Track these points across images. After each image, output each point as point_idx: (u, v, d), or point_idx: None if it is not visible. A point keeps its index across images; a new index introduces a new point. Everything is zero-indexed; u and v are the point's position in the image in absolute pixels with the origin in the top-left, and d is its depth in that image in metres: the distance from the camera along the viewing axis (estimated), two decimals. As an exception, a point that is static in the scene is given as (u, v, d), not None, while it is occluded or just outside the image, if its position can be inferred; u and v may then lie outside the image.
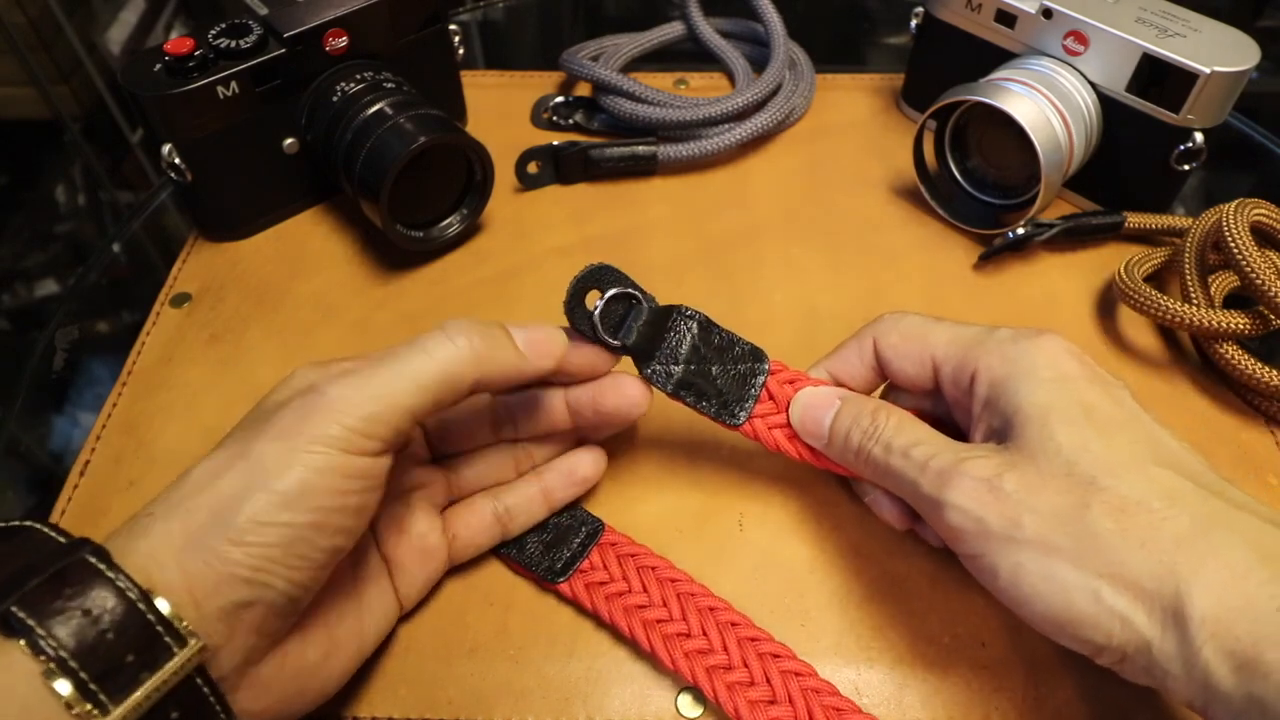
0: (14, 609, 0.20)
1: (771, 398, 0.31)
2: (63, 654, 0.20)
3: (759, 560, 0.33)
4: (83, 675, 0.20)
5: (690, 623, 0.29)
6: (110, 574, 0.21)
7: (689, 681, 0.28)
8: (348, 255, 0.45)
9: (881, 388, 0.34)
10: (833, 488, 0.35)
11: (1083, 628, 0.24)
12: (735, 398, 0.31)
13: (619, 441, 0.36)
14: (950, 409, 0.31)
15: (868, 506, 0.32)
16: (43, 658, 0.20)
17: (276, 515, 0.23)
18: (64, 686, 0.20)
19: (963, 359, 0.29)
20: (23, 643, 0.20)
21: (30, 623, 0.20)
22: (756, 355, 0.31)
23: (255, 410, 0.27)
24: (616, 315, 0.30)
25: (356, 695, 0.29)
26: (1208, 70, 0.39)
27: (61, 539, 0.23)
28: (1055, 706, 0.29)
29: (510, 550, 0.32)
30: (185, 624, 0.22)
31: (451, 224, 0.44)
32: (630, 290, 0.30)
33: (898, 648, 0.30)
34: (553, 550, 0.32)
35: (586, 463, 0.33)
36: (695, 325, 0.31)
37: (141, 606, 0.21)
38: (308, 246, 0.45)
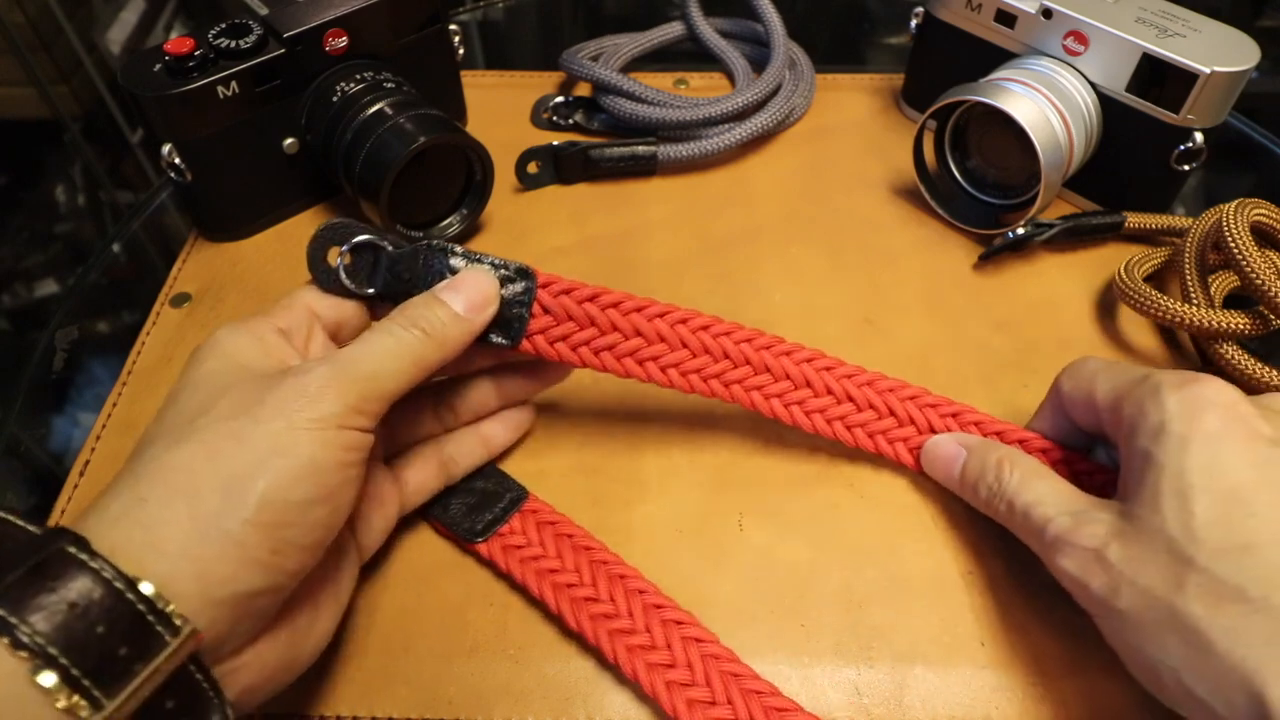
0: None
1: (547, 311, 0.32)
2: (50, 649, 0.19)
3: (759, 560, 0.33)
4: (74, 671, 0.20)
5: (599, 588, 0.30)
6: (94, 564, 0.21)
7: (591, 643, 0.29)
8: (348, 255, 0.45)
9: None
10: (834, 487, 0.35)
11: (1169, 701, 0.24)
12: (508, 318, 0.31)
13: (618, 442, 0.36)
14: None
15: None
16: (25, 654, 0.19)
17: (292, 493, 0.23)
18: (49, 679, 0.19)
19: (1114, 407, 0.28)
20: (5, 640, 0.19)
21: (11, 619, 0.19)
22: (522, 273, 0.31)
23: (190, 384, 0.26)
24: (365, 265, 0.31)
25: (357, 695, 0.29)
26: (1208, 70, 0.39)
27: (34, 529, 0.22)
28: (1055, 706, 0.29)
29: (435, 511, 0.33)
30: (172, 608, 0.21)
31: (451, 224, 0.44)
32: (372, 238, 0.31)
33: (898, 648, 0.30)
34: (475, 513, 0.33)
35: (521, 410, 0.35)
36: (450, 257, 0.31)
37: (130, 596, 0.20)
38: (308, 246, 0.45)
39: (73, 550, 0.21)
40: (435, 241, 0.31)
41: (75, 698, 0.20)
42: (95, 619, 0.20)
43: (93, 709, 0.20)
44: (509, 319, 0.31)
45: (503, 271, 0.31)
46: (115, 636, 0.20)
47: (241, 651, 0.24)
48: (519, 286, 0.31)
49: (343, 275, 0.30)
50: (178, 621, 0.21)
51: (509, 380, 0.34)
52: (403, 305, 0.29)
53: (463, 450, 0.34)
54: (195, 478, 0.23)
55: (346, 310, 0.31)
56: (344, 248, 0.30)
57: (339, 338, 0.31)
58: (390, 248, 0.31)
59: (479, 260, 0.31)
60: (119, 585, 0.21)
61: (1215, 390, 0.26)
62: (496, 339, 0.31)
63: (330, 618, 0.27)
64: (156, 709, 0.21)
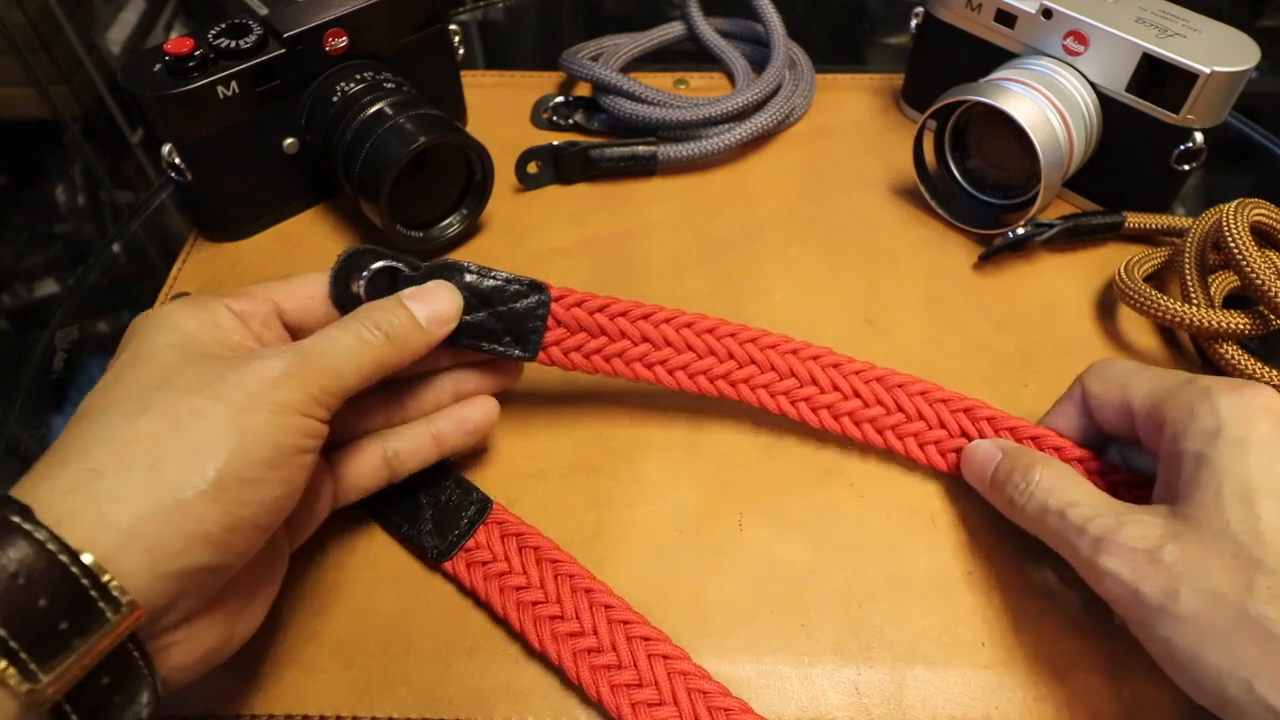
0: None
1: (560, 324, 0.32)
2: None
3: (759, 560, 0.33)
4: (12, 643, 0.19)
5: (564, 605, 0.30)
6: (38, 534, 0.20)
7: (555, 662, 0.29)
8: (348, 255, 0.45)
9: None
10: (834, 487, 0.35)
11: (1229, 713, 0.23)
12: (524, 331, 0.32)
13: (618, 442, 0.36)
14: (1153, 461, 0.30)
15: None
16: None
17: (251, 471, 0.23)
18: None
19: (1154, 410, 0.28)
20: None
21: None
22: (535, 287, 0.32)
23: (142, 356, 0.26)
24: (384, 289, 0.31)
25: (356, 695, 0.29)
26: (1208, 70, 0.39)
27: None
28: (1055, 706, 0.29)
29: (403, 529, 0.32)
30: (114, 582, 0.20)
31: (451, 224, 0.44)
32: (391, 263, 0.31)
33: (898, 648, 0.30)
34: (441, 531, 0.32)
35: (478, 412, 0.33)
36: (465, 275, 0.31)
37: (74, 570, 0.20)
38: (308, 246, 0.45)
39: (16, 519, 0.20)
40: (449, 260, 0.32)
41: (3, 663, 0.19)
42: (37, 591, 0.20)
43: (23, 679, 0.19)
44: (525, 333, 0.32)
45: (516, 286, 0.32)
46: (57, 610, 0.20)
47: (178, 628, 0.23)
48: (533, 300, 0.32)
49: (364, 299, 0.31)
50: (119, 596, 0.21)
51: (464, 375, 0.34)
52: (367, 305, 0.29)
53: (410, 447, 0.32)
54: (156, 447, 0.23)
55: (316, 315, 0.30)
56: (364, 273, 0.31)
57: (298, 336, 0.30)
58: (407, 270, 0.31)
59: (492, 276, 0.32)
60: (63, 558, 0.20)
61: (1268, 397, 0.26)
62: (515, 352, 0.32)
63: (264, 602, 0.27)
64: (91, 684, 0.21)
